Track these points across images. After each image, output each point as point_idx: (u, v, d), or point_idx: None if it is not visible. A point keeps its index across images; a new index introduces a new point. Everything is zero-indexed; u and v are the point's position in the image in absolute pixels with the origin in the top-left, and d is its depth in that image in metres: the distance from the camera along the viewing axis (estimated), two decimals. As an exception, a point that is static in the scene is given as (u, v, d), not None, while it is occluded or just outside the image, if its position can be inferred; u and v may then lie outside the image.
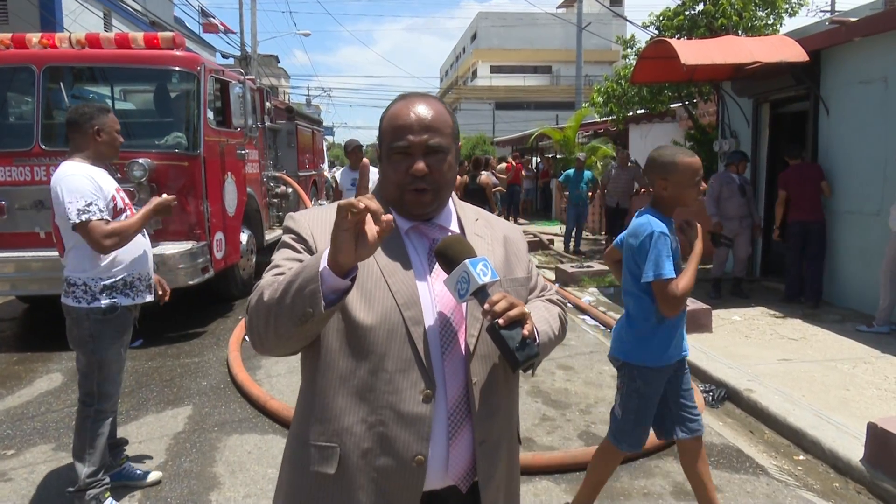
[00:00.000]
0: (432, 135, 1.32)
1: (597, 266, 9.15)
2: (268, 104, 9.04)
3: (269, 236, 8.82)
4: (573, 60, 25.79)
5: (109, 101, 6.76)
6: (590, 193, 11.62)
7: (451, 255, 1.27)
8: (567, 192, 11.45)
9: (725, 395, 4.58)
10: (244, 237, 7.47)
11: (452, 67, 59.76)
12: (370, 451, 1.28)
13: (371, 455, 1.28)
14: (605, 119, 14.22)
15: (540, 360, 1.34)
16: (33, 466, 3.59)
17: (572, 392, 4.77)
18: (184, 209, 6.10)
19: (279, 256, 1.35)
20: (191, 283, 5.96)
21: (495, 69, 46.25)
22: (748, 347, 5.50)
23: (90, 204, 2.90)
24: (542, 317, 1.42)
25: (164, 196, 3.16)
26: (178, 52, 6.32)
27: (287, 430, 3.98)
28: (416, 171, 1.30)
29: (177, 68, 6.29)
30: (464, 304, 1.33)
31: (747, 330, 6.04)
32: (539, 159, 21.29)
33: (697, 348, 5.43)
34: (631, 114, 13.10)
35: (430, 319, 1.31)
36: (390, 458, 1.27)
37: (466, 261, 1.24)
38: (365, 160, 1.36)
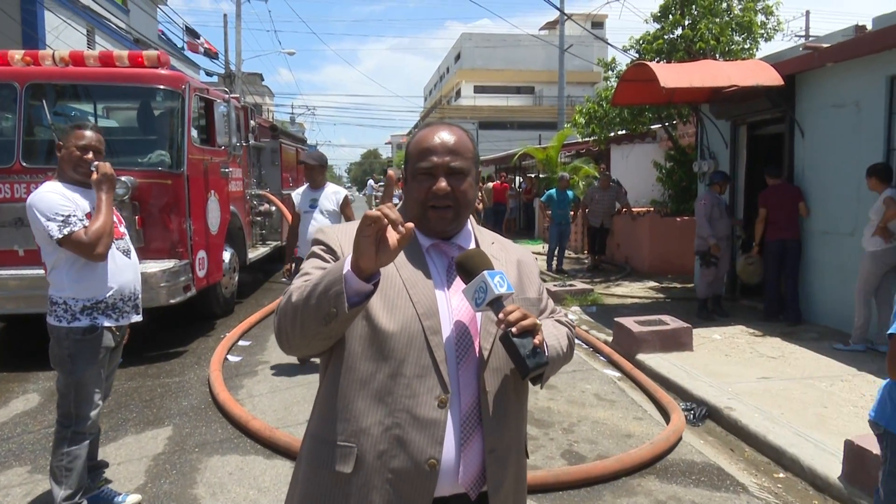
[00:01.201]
0: (454, 157, 1.43)
1: (579, 285, 9.23)
2: (252, 122, 9.06)
3: (252, 254, 8.78)
4: (555, 81, 26.12)
5: (92, 119, 6.73)
6: (572, 213, 11.73)
7: (470, 266, 1.36)
8: (550, 212, 11.56)
9: (706, 413, 4.62)
10: (227, 255, 7.44)
11: (436, 87, 60.20)
12: (386, 452, 1.34)
13: (386, 456, 1.34)
14: (587, 139, 14.40)
15: (548, 373, 1.43)
16: (8, 489, 3.51)
17: (555, 411, 4.78)
18: (167, 227, 6.07)
19: (308, 265, 1.45)
20: (173, 301, 5.91)
21: (479, 89, 46.70)
22: (728, 366, 5.57)
23: (69, 216, 2.88)
24: (551, 333, 1.49)
25: (100, 165, 2.99)
26: (162, 71, 6.32)
27: (268, 450, 3.97)
28: (439, 189, 1.41)
29: (161, 87, 6.29)
30: (478, 318, 1.42)
31: (727, 348, 6.11)
32: (522, 178, 21.45)
33: (678, 366, 5.49)
34: (612, 134, 13.30)
35: (446, 330, 1.39)
36: (405, 460, 1.33)
37: (485, 272, 1.33)
38: (391, 172, 1.42)
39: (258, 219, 9.48)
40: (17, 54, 6.18)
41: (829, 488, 3.48)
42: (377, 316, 1.36)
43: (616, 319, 6.37)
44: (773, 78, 6.98)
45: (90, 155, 3.03)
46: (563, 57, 21.80)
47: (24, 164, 5.83)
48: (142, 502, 3.34)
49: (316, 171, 5.57)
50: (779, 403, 4.59)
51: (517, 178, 21.97)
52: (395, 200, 22.82)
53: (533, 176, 19.43)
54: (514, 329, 1.30)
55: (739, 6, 10.77)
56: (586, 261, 12.36)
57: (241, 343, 6.48)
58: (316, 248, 1.49)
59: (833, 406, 4.54)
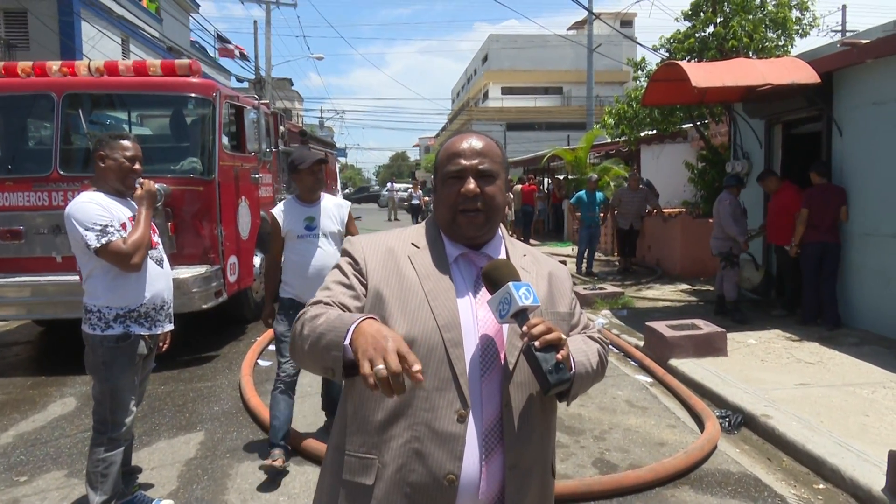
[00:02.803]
0: (483, 160, 1.44)
1: (609, 288, 9.11)
2: (281, 128, 9.14)
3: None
4: (584, 81, 25.90)
5: (126, 127, 6.87)
6: (601, 214, 11.61)
7: (496, 276, 1.34)
8: (579, 214, 11.44)
9: (742, 421, 4.51)
10: (257, 260, 7.51)
11: (464, 89, 60.19)
12: (405, 465, 1.32)
13: (405, 470, 1.32)
14: (616, 140, 14.24)
15: (576, 390, 1.40)
16: (45, 493, 3.59)
17: (586, 418, 4.72)
18: (198, 233, 6.15)
19: (330, 278, 1.47)
20: (205, 306, 5.99)
21: (506, 90, 46.53)
22: (764, 371, 5.43)
23: (106, 227, 2.93)
24: (580, 349, 1.45)
25: (145, 182, 3.13)
26: (194, 79, 6.41)
27: (298, 456, 3.98)
28: (467, 191, 1.41)
29: (193, 95, 6.38)
30: (504, 331, 1.39)
31: (763, 353, 5.97)
32: (549, 180, 21.29)
33: (712, 372, 5.37)
34: (642, 135, 13.11)
35: (471, 343, 1.36)
36: (423, 475, 1.31)
37: (510, 283, 1.30)
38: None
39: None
40: (54, 65, 6.33)
41: (871, 500, 3.36)
42: (397, 328, 1.34)
43: (647, 323, 6.27)
44: (809, 75, 6.81)
45: (138, 166, 3.11)
46: (592, 57, 21.61)
47: (62, 172, 5.97)
48: (174, 507, 3.39)
49: (308, 177, 3.91)
50: (818, 411, 4.46)
51: (545, 179, 21.82)
52: (415, 201, 22.86)
53: (561, 178, 19.29)
54: (537, 343, 1.27)
55: (773, 2, 10.52)
56: (616, 263, 12.21)
57: (271, 348, 6.52)
58: (341, 260, 1.48)
59: (875, 414, 4.39)
